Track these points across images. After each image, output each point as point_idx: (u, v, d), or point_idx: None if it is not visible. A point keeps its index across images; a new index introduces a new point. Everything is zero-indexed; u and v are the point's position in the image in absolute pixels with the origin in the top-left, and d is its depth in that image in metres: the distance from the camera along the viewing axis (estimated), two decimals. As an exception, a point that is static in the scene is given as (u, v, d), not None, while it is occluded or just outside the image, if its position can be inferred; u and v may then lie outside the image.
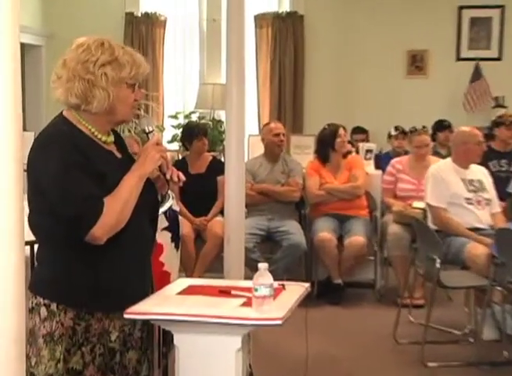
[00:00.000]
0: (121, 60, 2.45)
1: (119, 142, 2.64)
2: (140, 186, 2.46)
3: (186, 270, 5.99)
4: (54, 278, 2.47)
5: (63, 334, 2.45)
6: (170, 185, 2.66)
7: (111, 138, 2.57)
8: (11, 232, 1.83)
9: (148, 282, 2.68)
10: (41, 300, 2.47)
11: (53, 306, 2.46)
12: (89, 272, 2.45)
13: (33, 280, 2.51)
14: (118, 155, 2.59)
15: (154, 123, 8.00)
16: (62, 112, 2.52)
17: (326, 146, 6.40)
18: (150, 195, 2.59)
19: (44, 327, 2.46)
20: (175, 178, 2.60)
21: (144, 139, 2.78)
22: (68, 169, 2.35)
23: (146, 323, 2.62)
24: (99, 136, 2.51)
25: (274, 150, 6.45)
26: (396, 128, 7.78)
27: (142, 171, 2.47)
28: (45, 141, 2.42)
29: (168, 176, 2.58)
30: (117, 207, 2.38)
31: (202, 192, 6.18)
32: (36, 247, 2.62)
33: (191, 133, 6.52)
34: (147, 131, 2.64)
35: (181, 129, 8.08)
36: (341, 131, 6.39)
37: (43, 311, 2.47)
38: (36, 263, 2.58)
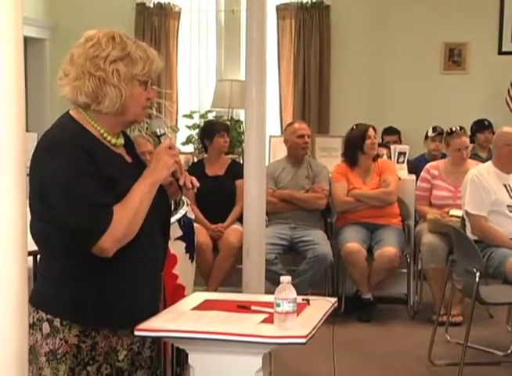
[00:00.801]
0: (134, 56, 2.46)
1: (129, 145, 2.65)
2: (152, 194, 2.47)
3: (206, 282, 6.05)
4: (57, 291, 2.48)
5: (67, 352, 2.46)
6: (183, 191, 2.67)
7: (121, 140, 2.58)
8: (13, 241, 1.83)
9: (159, 296, 2.69)
10: (44, 315, 2.48)
11: (56, 322, 2.47)
12: (96, 285, 2.46)
13: (34, 293, 2.52)
14: (128, 159, 2.60)
15: (167, 124, 8.03)
16: (68, 111, 2.53)
17: (354, 148, 6.38)
18: (162, 202, 2.59)
19: (46, 345, 2.47)
20: (189, 185, 2.60)
21: (155, 143, 2.80)
22: (75, 175, 2.37)
23: (155, 341, 2.63)
24: (109, 138, 2.52)
25: (298, 153, 6.44)
26: (434, 129, 7.73)
27: (154, 178, 2.48)
28: (51, 143, 2.43)
29: (182, 182, 2.59)
30: (127, 216, 2.39)
31: (219, 196, 6.20)
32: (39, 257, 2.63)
33: (212, 129, 6.54)
34: (159, 133, 2.65)
35: (196, 130, 8.11)
36: (371, 131, 6.38)
37: (45, 327, 2.48)
38: (38, 275, 2.59)
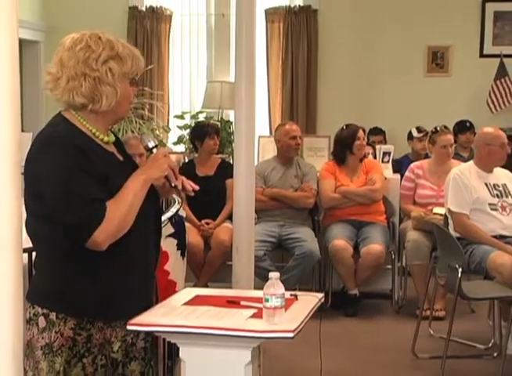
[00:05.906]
0: (122, 54, 2.48)
1: (119, 144, 2.66)
2: (145, 190, 2.48)
3: (197, 278, 6.07)
4: (53, 286, 2.48)
5: (62, 344, 2.46)
6: (182, 195, 2.69)
7: (112, 137, 2.60)
8: (8, 239, 1.83)
9: (152, 291, 2.70)
10: (40, 310, 2.48)
11: (52, 316, 2.47)
12: (90, 279, 2.46)
13: (31, 289, 2.53)
14: (120, 157, 2.61)
15: (156, 134, 8.00)
16: (60, 112, 2.54)
17: (343, 147, 6.37)
18: (153, 199, 2.60)
19: (42, 338, 2.47)
20: (188, 187, 2.62)
21: (148, 156, 2.82)
22: (70, 172, 2.37)
23: (149, 332, 2.62)
24: (101, 137, 2.53)
25: (290, 154, 6.43)
26: (419, 130, 7.73)
27: (147, 175, 2.49)
28: (45, 142, 2.43)
29: (180, 187, 2.61)
30: (121, 211, 2.40)
31: (210, 196, 6.18)
32: (34, 254, 2.62)
33: (203, 131, 6.53)
34: (151, 146, 2.68)
35: (187, 130, 8.10)
36: (360, 133, 6.37)
37: (41, 321, 2.47)
38: (34, 271, 2.59)
